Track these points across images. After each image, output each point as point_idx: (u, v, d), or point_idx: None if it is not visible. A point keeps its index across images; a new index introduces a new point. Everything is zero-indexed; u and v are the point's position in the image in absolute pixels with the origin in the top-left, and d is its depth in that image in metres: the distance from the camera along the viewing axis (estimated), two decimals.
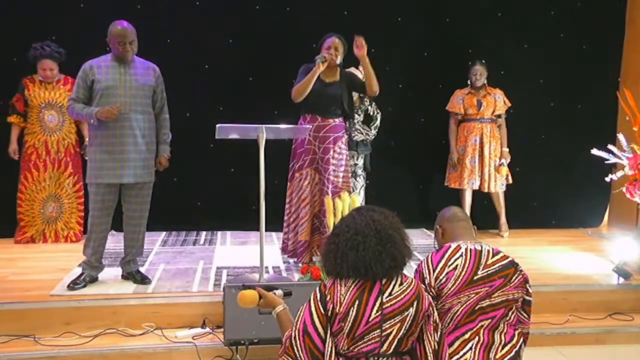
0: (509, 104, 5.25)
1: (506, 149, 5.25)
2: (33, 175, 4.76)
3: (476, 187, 5.19)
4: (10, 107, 4.73)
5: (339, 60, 3.95)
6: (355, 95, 4.28)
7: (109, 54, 3.61)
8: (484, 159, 5.15)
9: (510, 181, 5.28)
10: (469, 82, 5.24)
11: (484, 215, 5.37)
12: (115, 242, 4.45)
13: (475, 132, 5.17)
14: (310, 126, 3.94)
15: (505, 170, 5.21)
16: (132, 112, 3.54)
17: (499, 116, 5.25)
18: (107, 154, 3.54)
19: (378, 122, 4.82)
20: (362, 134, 4.78)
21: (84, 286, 3.62)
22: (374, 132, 4.82)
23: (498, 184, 5.21)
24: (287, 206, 4.14)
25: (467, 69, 5.32)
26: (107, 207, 3.64)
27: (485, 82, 5.20)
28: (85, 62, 3.60)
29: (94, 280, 3.73)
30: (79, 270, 3.74)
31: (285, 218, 4.15)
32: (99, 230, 3.65)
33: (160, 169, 3.81)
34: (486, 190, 5.20)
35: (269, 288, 2.28)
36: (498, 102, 5.19)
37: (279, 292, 2.28)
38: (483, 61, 5.18)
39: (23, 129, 4.79)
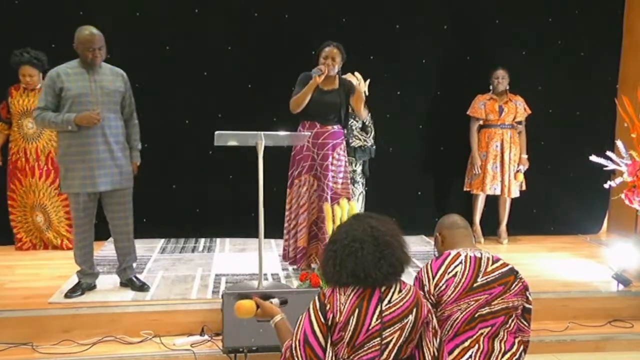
0: (529, 111, 5.27)
1: (525, 156, 5.26)
2: (21, 181, 4.73)
3: (498, 192, 5.21)
4: None
5: (336, 69, 3.95)
6: None
7: (74, 60, 3.51)
8: (504, 165, 5.17)
9: (524, 188, 5.29)
10: (490, 87, 5.24)
11: (483, 222, 5.38)
12: (113, 250, 4.42)
13: (496, 137, 5.18)
14: (310, 133, 3.94)
15: (521, 177, 5.25)
16: (105, 119, 3.47)
17: (519, 123, 5.27)
18: (82, 162, 3.46)
19: (373, 131, 4.86)
20: (360, 140, 4.79)
21: (81, 294, 3.61)
22: (371, 140, 4.85)
23: (516, 190, 5.23)
24: (287, 213, 4.14)
25: (466, 74, 5.32)
26: (88, 214, 3.61)
27: (507, 87, 5.21)
28: (51, 70, 3.52)
29: (91, 287, 3.72)
30: (76, 278, 3.73)
31: (286, 225, 4.16)
32: (83, 238, 3.63)
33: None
34: (507, 196, 5.21)
35: (265, 297, 2.26)
36: (519, 108, 5.20)
37: (276, 300, 2.27)
38: (505, 66, 5.18)
39: (9, 136, 4.77)
